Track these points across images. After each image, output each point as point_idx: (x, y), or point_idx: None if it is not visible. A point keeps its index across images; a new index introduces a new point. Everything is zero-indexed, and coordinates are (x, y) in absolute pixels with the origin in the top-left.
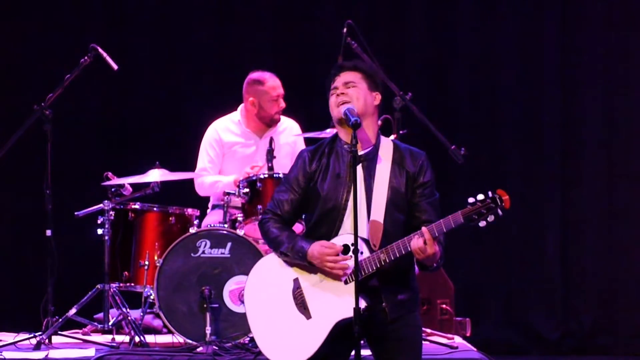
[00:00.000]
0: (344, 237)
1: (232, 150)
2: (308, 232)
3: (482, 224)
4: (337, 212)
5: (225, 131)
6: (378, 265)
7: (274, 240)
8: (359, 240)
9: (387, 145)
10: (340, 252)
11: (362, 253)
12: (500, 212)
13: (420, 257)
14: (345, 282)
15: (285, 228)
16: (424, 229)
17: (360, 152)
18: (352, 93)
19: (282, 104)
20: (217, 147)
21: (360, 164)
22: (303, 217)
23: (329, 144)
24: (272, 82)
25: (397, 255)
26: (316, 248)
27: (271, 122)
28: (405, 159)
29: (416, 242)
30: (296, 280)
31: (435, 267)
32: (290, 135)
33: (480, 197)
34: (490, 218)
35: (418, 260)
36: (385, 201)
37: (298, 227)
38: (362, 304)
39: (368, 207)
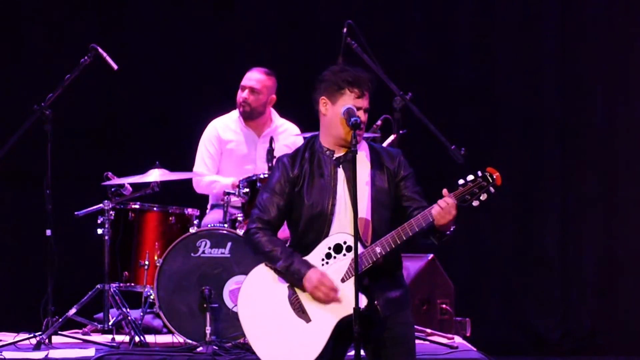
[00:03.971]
0: (336, 236)
1: (230, 149)
2: (296, 240)
3: (476, 203)
4: (325, 218)
5: (224, 129)
6: (374, 259)
7: (267, 254)
8: (352, 238)
9: (362, 146)
10: (333, 250)
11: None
12: (492, 189)
13: (445, 220)
14: (342, 281)
15: (276, 240)
16: (444, 191)
17: (340, 154)
18: (364, 119)
19: (246, 95)
20: (217, 144)
21: (341, 166)
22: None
23: (307, 149)
24: (249, 73)
25: (393, 246)
26: (316, 276)
27: (243, 114)
28: (382, 157)
29: (437, 208)
30: (291, 287)
31: (450, 234)
32: (289, 137)
33: (470, 177)
34: (483, 196)
35: (434, 230)
36: (369, 199)
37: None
38: (363, 302)
39: (354, 206)
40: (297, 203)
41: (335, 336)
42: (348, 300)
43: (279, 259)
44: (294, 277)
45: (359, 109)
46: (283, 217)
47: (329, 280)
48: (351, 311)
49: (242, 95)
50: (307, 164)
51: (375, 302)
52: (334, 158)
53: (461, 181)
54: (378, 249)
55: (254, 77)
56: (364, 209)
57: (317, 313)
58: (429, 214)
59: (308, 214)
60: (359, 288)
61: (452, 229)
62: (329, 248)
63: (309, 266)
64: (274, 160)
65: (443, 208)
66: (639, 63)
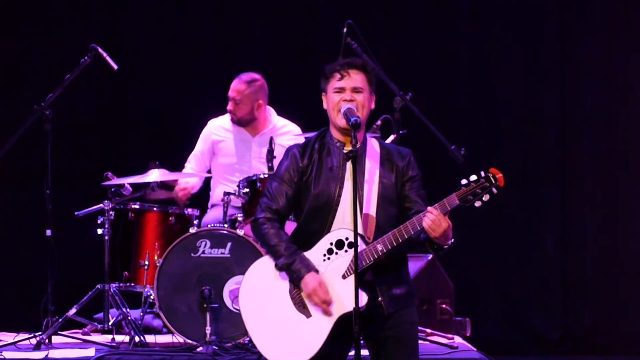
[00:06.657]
0: (339, 232)
1: (221, 147)
2: (299, 228)
3: (478, 204)
4: (329, 208)
5: (218, 129)
6: (375, 257)
7: (271, 248)
8: (354, 234)
9: (373, 143)
10: (335, 245)
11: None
12: (495, 190)
13: (437, 232)
14: (343, 277)
15: (282, 234)
16: (430, 208)
17: (350, 148)
18: (359, 100)
19: (231, 107)
20: (208, 143)
21: (350, 160)
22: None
23: (318, 140)
24: (232, 84)
25: (395, 244)
26: (313, 284)
27: (234, 122)
28: (392, 155)
29: (427, 219)
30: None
31: (447, 248)
32: (289, 137)
33: (473, 177)
34: (486, 197)
35: (431, 242)
36: (376, 195)
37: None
38: (364, 299)
39: (360, 201)
40: (303, 192)
41: (336, 334)
42: (349, 297)
43: (281, 255)
44: (292, 276)
45: (342, 89)
46: (291, 207)
47: (324, 291)
48: (351, 308)
49: (228, 106)
50: (317, 154)
51: (380, 299)
52: (345, 151)
53: (464, 181)
54: (379, 247)
55: (235, 88)
56: (371, 205)
57: (317, 309)
58: (423, 217)
59: (314, 203)
60: (359, 287)
61: (449, 243)
62: (331, 244)
63: (309, 269)
64: (274, 160)
65: (432, 221)
66: (639, 63)
